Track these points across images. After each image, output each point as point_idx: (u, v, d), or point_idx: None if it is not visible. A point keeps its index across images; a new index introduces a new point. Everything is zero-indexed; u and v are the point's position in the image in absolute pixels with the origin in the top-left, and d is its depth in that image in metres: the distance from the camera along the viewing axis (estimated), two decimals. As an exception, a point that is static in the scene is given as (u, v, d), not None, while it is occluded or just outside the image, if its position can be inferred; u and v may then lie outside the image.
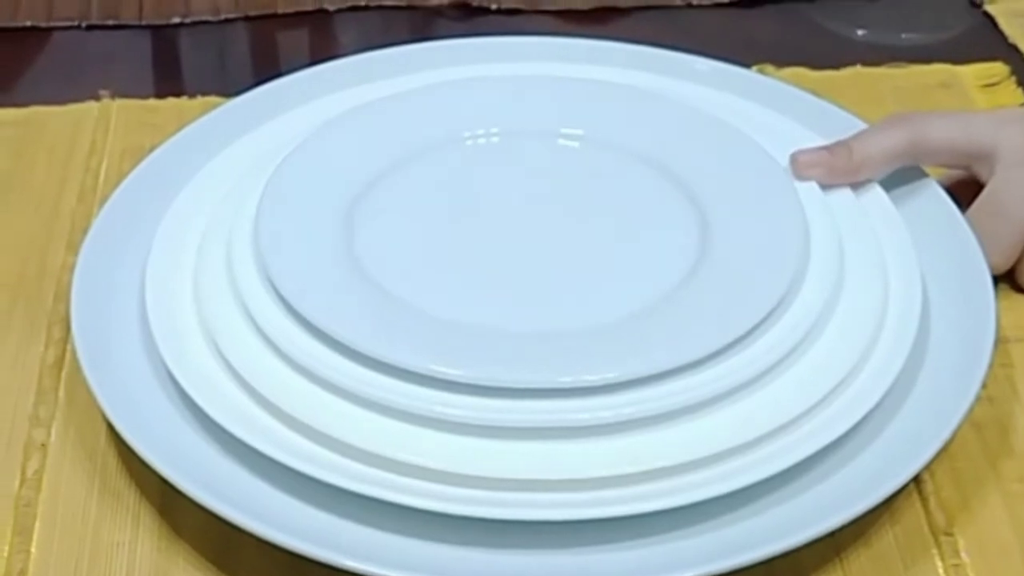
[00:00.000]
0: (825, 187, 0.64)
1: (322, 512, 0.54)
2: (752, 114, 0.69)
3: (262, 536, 0.52)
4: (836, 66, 0.73)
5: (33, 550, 0.55)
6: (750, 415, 0.55)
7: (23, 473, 0.58)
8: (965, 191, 0.66)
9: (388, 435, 0.54)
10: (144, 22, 0.85)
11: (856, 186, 0.66)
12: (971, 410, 0.57)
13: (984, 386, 0.58)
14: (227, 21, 0.85)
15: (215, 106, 0.73)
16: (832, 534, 0.53)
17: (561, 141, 0.69)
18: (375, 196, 0.65)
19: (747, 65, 0.76)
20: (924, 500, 0.57)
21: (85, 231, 0.65)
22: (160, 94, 0.79)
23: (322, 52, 0.79)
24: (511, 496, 0.53)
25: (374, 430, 0.55)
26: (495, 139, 0.69)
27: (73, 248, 0.66)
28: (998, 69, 0.80)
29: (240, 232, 0.62)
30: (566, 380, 0.55)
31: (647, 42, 0.75)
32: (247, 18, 0.86)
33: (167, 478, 0.54)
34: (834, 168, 0.64)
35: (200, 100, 0.78)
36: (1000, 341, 0.62)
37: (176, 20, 0.85)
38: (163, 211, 0.65)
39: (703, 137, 0.67)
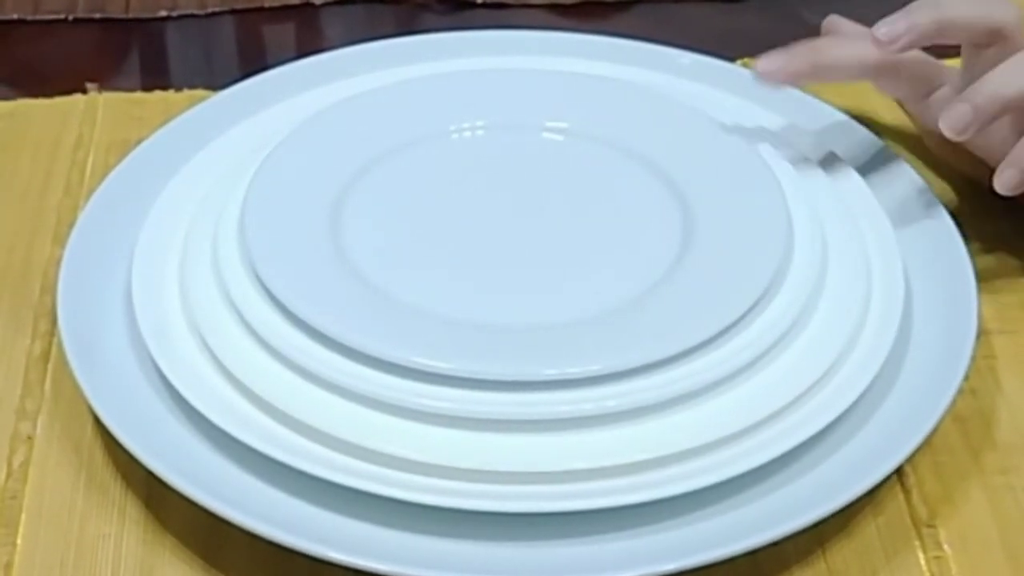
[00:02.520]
0: (808, 180, 0.65)
1: (308, 504, 0.54)
2: (736, 108, 0.69)
3: (248, 528, 0.52)
4: (820, 60, 0.73)
5: (19, 542, 0.55)
6: (733, 408, 0.55)
7: (9, 466, 0.58)
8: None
9: (373, 427, 0.55)
10: (130, 15, 0.85)
11: (839, 177, 0.66)
12: (953, 402, 0.57)
13: (966, 378, 0.58)
14: (213, 15, 0.85)
15: (201, 99, 0.73)
16: (815, 526, 0.54)
17: (546, 135, 0.69)
18: (361, 189, 0.65)
19: (731, 59, 0.76)
20: (907, 492, 0.57)
21: (71, 224, 0.65)
22: (147, 87, 0.79)
23: (308, 46, 0.79)
24: (495, 488, 0.53)
25: (360, 422, 0.55)
26: (480, 132, 0.69)
27: (59, 241, 0.66)
28: (981, 62, 0.80)
29: (226, 225, 0.62)
30: (550, 372, 0.55)
31: (631, 36, 0.76)
32: (233, 12, 0.85)
33: (153, 470, 0.54)
34: (795, 72, 0.65)
35: (186, 93, 0.77)
36: (982, 333, 0.62)
37: (162, 13, 0.85)
38: (149, 204, 0.65)
39: (687, 131, 0.67)
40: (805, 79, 0.65)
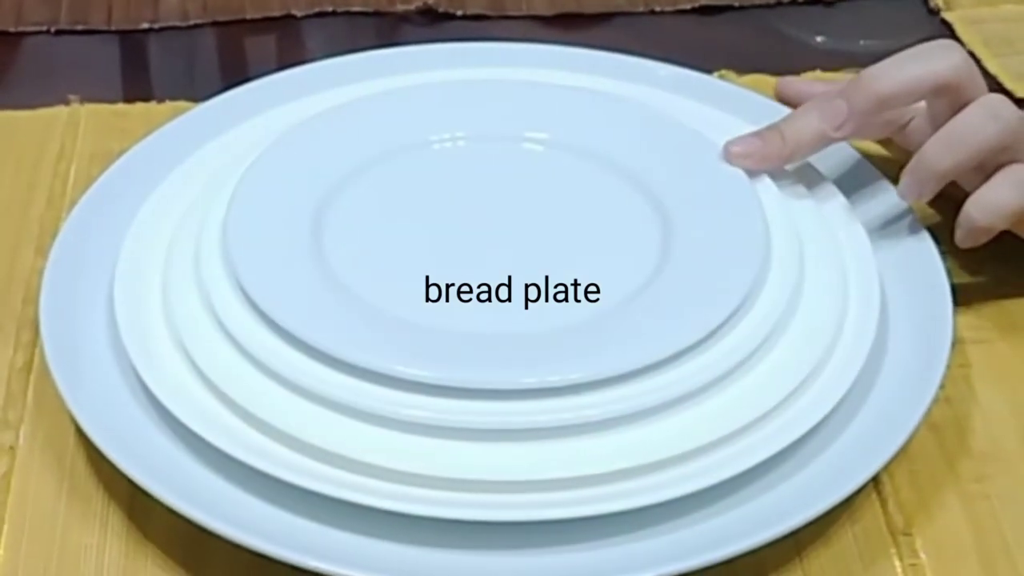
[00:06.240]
0: (785, 191, 0.65)
1: (290, 514, 0.54)
2: (713, 119, 0.69)
3: (230, 538, 0.53)
4: (796, 71, 0.73)
5: (1, 552, 0.56)
6: (711, 417, 0.56)
7: (-9, 476, 0.58)
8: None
9: (354, 437, 0.55)
10: (113, 27, 0.85)
11: (817, 189, 0.66)
12: (929, 411, 0.58)
13: (942, 387, 0.59)
14: (196, 26, 0.86)
15: (184, 111, 0.73)
16: (793, 534, 0.54)
17: (526, 145, 0.69)
18: (343, 200, 0.66)
19: (708, 71, 0.77)
20: (883, 501, 0.58)
21: (54, 235, 0.65)
22: (129, 99, 0.79)
23: (290, 57, 0.80)
24: (474, 497, 0.53)
25: (341, 432, 0.55)
26: (461, 143, 0.70)
27: (42, 252, 0.66)
28: (957, 75, 0.81)
29: (209, 235, 0.62)
30: (530, 381, 0.55)
31: (610, 48, 0.76)
32: (215, 23, 0.86)
33: (135, 481, 0.55)
34: (767, 155, 0.65)
35: (169, 105, 0.78)
36: (957, 342, 0.62)
37: (145, 25, 0.85)
38: (132, 215, 0.65)
39: (666, 142, 0.68)
40: (778, 161, 0.66)
